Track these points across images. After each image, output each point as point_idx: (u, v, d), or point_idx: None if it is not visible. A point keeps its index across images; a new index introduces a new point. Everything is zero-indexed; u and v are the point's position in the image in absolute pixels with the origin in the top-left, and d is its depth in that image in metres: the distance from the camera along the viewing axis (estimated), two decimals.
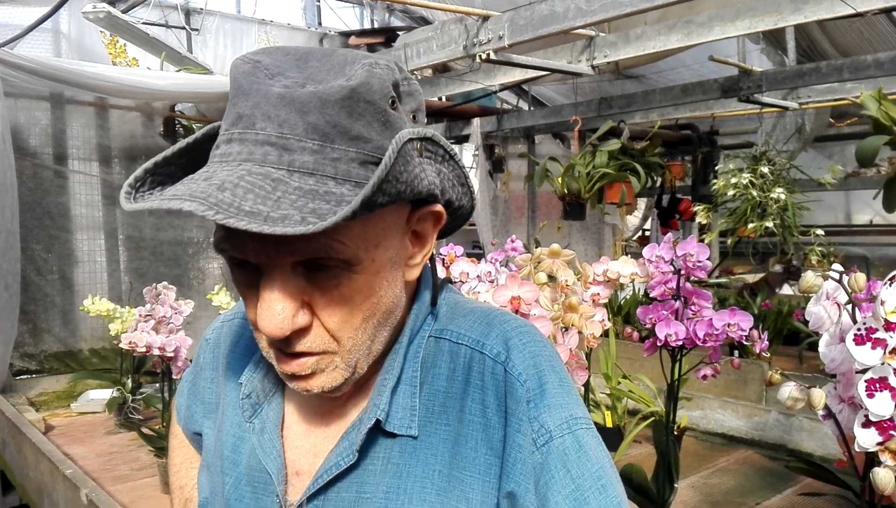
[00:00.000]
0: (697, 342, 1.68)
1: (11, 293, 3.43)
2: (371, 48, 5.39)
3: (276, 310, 0.67)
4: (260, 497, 0.78)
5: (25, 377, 3.92)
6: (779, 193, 4.00)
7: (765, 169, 4.08)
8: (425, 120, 0.77)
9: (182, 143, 0.71)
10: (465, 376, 0.75)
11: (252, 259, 0.68)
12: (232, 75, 0.68)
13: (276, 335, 0.67)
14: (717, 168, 4.80)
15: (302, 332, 0.69)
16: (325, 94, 0.64)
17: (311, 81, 0.66)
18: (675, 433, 2.22)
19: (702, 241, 1.72)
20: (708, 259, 1.69)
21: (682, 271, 1.70)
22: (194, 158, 0.72)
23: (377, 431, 0.74)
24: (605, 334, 2.19)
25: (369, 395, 0.76)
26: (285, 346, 0.70)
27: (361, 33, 5.88)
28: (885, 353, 1.14)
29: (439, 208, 0.75)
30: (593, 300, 1.61)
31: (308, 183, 0.62)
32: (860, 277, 1.24)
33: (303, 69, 0.67)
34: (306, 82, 0.65)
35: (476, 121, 5.64)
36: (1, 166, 3.29)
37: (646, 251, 1.73)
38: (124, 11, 3.49)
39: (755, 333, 1.74)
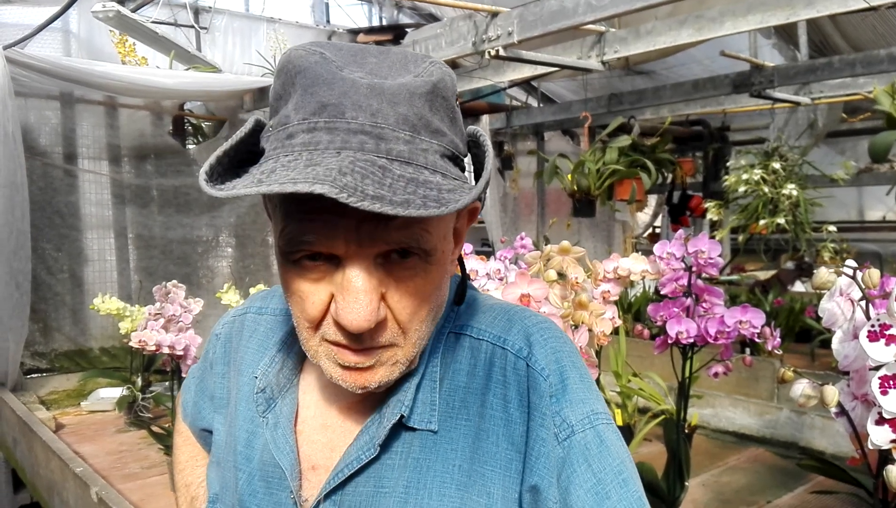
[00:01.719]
0: (709, 340, 1.67)
1: (22, 292, 3.45)
2: (379, 46, 5.38)
3: (364, 302, 0.66)
4: (274, 492, 0.78)
5: (36, 375, 3.94)
6: (791, 189, 3.98)
7: (776, 165, 4.06)
8: None
9: (236, 137, 0.70)
10: (486, 371, 0.75)
11: (339, 250, 0.66)
12: (298, 65, 0.66)
13: (364, 327, 0.66)
14: (728, 164, 4.79)
15: (378, 325, 0.68)
16: (413, 87, 0.65)
17: (374, 75, 0.66)
18: (686, 431, 2.20)
19: (713, 237, 1.71)
20: (719, 256, 1.68)
21: (694, 268, 1.69)
22: (239, 150, 0.70)
23: (398, 426, 0.74)
24: (616, 331, 2.18)
25: (385, 389, 0.75)
26: (356, 342, 0.68)
27: (370, 31, 5.86)
28: None
29: (478, 204, 0.75)
30: (603, 298, 1.60)
31: (407, 171, 0.63)
32: (874, 273, 1.23)
33: (362, 65, 0.67)
34: (372, 77, 0.66)
35: (485, 118, 5.63)
36: (11, 166, 3.31)
37: (657, 248, 1.71)
38: (133, 10, 3.49)
39: (767, 330, 1.73)
